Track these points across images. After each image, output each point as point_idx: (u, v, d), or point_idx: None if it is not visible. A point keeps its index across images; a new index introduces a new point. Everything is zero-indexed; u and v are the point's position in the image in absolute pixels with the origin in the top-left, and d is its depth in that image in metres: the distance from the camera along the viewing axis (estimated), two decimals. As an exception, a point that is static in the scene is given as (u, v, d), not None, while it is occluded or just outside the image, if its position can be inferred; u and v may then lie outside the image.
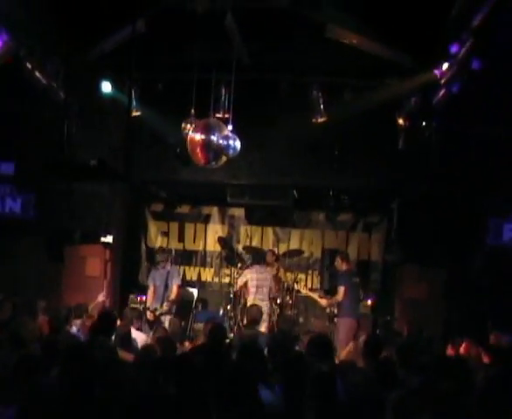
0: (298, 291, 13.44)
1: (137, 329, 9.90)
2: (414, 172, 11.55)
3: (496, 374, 6.85)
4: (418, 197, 11.77)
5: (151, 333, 10.09)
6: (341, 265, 11.96)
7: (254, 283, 12.40)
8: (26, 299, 9.93)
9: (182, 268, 14.57)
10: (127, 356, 7.44)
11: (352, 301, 11.71)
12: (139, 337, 9.26)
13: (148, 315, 11.74)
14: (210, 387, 5.41)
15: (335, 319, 12.05)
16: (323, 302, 12.39)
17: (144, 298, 12.89)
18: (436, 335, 10.52)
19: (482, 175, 10.94)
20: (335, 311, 12.14)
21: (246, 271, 12.72)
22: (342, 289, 11.62)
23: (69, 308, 10.35)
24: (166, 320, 11.63)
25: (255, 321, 10.03)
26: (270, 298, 12.52)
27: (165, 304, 11.95)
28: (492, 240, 11.37)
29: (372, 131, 11.69)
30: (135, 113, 11.32)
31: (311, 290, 13.52)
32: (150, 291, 12.23)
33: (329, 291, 13.50)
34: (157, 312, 11.78)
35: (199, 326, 12.90)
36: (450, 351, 8.74)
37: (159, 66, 11.41)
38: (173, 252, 14.37)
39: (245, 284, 12.59)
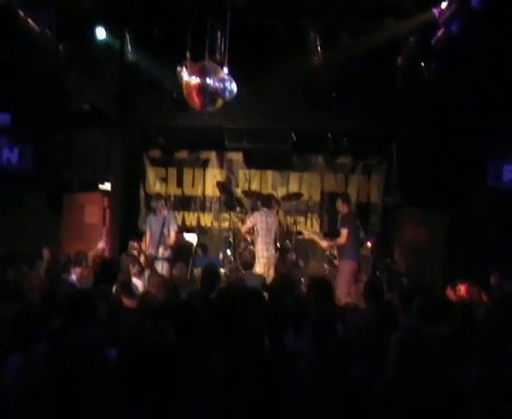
0: (299, 233, 13.47)
1: (134, 275, 9.85)
2: (413, 114, 11.46)
3: (496, 319, 6.90)
4: (417, 139, 11.69)
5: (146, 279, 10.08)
6: (342, 207, 11.93)
7: (264, 226, 12.34)
8: (25, 250, 9.90)
9: (181, 214, 14.59)
10: (129, 303, 7.47)
11: (354, 243, 11.70)
12: (138, 284, 9.28)
13: (142, 260, 11.71)
14: (210, 332, 5.49)
15: (336, 262, 12.06)
16: (324, 244, 12.37)
17: (143, 244, 12.91)
18: (436, 279, 10.55)
19: (482, 116, 10.86)
20: (335, 253, 12.16)
21: (256, 214, 12.57)
22: (345, 231, 11.59)
23: (68, 256, 10.35)
24: (162, 266, 11.63)
25: (248, 265, 10.00)
26: (275, 243, 12.55)
27: (161, 249, 11.95)
28: (492, 181, 11.36)
29: (371, 73, 11.57)
30: (130, 60, 11.20)
31: (313, 232, 13.46)
32: (147, 237, 12.21)
33: (329, 235, 13.51)
34: (151, 257, 11.73)
35: (199, 271, 12.95)
36: (450, 293, 8.77)
37: (154, 11, 11.23)
38: (172, 198, 14.37)
39: (253, 227, 12.52)
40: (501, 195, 11.50)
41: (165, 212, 12.19)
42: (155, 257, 11.81)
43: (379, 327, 6.19)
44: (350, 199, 12.44)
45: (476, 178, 11.55)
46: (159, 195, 12.96)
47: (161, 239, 11.94)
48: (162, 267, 11.68)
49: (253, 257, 10.54)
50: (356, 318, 7.01)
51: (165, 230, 12.00)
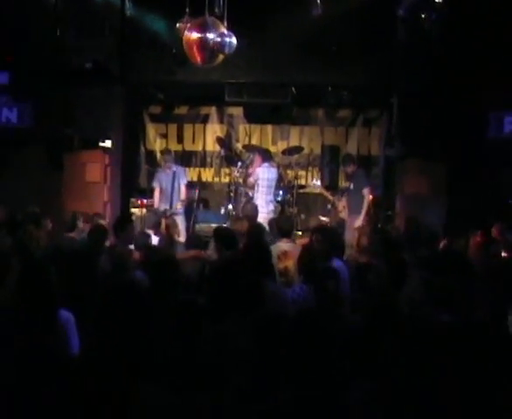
0: (301, 186, 13.53)
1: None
2: (414, 66, 11.41)
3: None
4: (418, 91, 11.65)
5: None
6: (352, 168, 11.91)
7: (265, 183, 12.35)
8: (31, 210, 9.87)
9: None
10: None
11: None
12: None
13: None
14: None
15: (343, 215, 11.98)
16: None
17: (145, 201, 12.95)
18: (438, 229, 10.58)
19: (483, 67, 10.82)
20: (340, 207, 12.12)
21: (258, 170, 12.51)
22: (367, 190, 11.56)
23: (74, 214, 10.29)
24: (179, 220, 11.69)
25: (252, 218, 9.91)
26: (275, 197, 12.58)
27: (179, 203, 12.06)
28: (493, 133, 11.35)
29: (371, 25, 11.48)
30: (130, 15, 11.14)
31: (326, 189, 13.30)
32: (156, 193, 12.24)
33: (329, 188, 13.52)
34: (168, 213, 11.81)
35: (201, 226, 13.04)
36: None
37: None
38: (173, 154, 14.40)
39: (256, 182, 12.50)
40: (502, 146, 11.50)
41: (174, 167, 12.24)
42: (173, 213, 11.89)
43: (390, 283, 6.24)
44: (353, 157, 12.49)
45: (477, 129, 11.53)
46: (164, 150, 13.05)
47: (173, 195, 12.02)
48: (180, 222, 11.73)
49: (256, 209, 10.51)
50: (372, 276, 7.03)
51: (176, 185, 12.08)
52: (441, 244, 8.71)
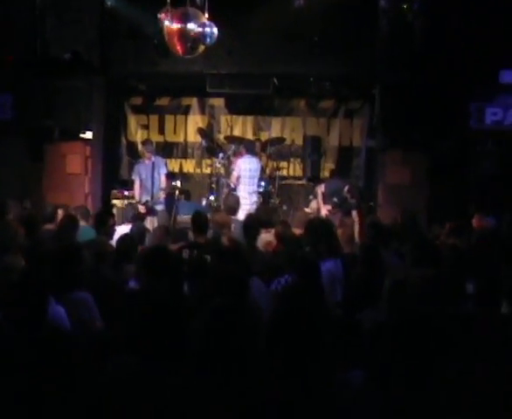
0: (282, 177, 13.53)
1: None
2: (396, 57, 11.41)
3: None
4: (399, 82, 11.66)
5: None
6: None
7: (247, 174, 12.32)
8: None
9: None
10: None
11: None
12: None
13: (140, 208, 11.73)
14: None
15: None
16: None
17: (126, 192, 12.87)
18: (420, 220, 10.59)
19: (465, 59, 10.85)
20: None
21: (239, 162, 12.53)
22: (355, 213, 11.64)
23: (54, 206, 10.23)
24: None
25: (233, 210, 9.92)
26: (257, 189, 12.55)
27: (160, 192, 12.14)
28: (474, 124, 11.40)
29: (353, 16, 11.49)
30: (110, 6, 11.07)
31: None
32: (136, 186, 12.23)
33: (312, 179, 13.50)
34: (150, 204, 11.80)
35: (183, 218, 12.96)
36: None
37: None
38: (153, 144, 14.33)
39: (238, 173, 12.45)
40: (483, 137, 11.56)
41: (153, 158, 12.22)
42: (154, 203, 11.92)
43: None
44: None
45: (458, 120, 11.57)
46: (145, 141, 13.03)
47: (153, 186, 12.01)
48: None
49: (238, 202, 10.49)
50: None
51: (156, 175, 12.07)
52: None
